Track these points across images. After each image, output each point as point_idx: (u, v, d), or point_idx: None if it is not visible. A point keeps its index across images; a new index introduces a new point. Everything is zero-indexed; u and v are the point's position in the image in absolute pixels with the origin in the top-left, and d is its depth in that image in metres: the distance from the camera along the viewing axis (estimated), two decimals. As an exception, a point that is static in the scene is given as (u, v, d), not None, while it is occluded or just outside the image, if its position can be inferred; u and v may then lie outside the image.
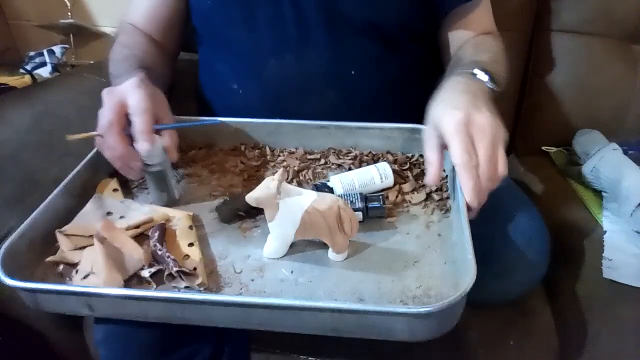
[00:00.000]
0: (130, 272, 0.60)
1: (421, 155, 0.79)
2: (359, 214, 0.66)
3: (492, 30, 0.89)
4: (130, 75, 0.72)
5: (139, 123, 0.64)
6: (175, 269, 0.57)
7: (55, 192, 0.67)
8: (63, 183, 0.69)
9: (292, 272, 0.61)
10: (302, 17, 0.80)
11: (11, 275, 0.56)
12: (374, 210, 0.67)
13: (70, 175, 0.70)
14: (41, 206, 0.65)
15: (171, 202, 0.71)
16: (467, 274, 0.52)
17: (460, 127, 0.59)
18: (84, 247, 0.63)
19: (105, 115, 0.65)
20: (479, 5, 0.85)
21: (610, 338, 0.71)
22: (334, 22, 0.80)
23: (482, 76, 0.71)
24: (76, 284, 0.59)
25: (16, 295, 0.60)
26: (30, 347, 0.78)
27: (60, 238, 0.63)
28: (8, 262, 0.57)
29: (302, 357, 0.74)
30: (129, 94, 0.66)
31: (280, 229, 0.61)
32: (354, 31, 0.82)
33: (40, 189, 0.71)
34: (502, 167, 0.60)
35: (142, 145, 0.64)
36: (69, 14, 1.50)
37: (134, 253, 0.60)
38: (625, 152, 0.90)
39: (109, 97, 0.67)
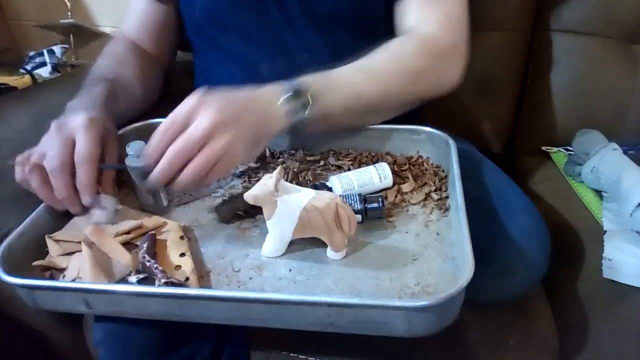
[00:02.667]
0: (117, 278, 0.60)
1: (420, 156, 0.79)
2: (358, 217, 0.66)
3: (423, 22, 0.79)
4: (91, 90, 0.75)
5: (83, 174, 0.64)
6: (163, 280, 0.57)
7: (54, 192, 0.68)
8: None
9: (290, 270, 0.61)
10: (291, 22, 0.81)
11: (10, 273, 0.56)
12: (373, 211, 0.67)
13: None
14: (40, 206, 0.66)
15: (158, 208, 0.71)
16: (466, 269, 0.52)
17: (189, 103, 0.61)
18: (72, 253, 0.63)
19: (55, 156, 0.64)
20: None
21: (610, 338, 0.71)
22: (321, 23, 0.81)
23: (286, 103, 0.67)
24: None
25: (16, 295, 0.60)
26: (30, 347, 0.78)
27: (50, 243, 0.63)
28: (7, 260, 0.58)
29: (302, 356, 0.74)
30: (78, 135, 0.65)
31: (278, 227, 0.61)
32: (344, 30, 0.82)
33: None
34: (193, 168, 0.59)
35: (84, 198, 0.65)
36: (69, 14, 1.50)
37: (122, 258, 0.60)
38: (625, 152, 0.90)
39: (58, 133, 0.66)
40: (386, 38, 0.79)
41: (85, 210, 0.67)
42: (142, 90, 0.87)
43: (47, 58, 1.50)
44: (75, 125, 0.66)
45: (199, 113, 0.60)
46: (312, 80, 0.69)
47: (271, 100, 0.67)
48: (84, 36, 1.55)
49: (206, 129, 0.58)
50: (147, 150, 0.62)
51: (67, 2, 1.49)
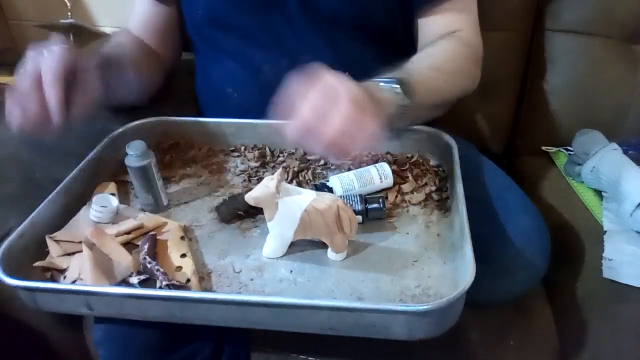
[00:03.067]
0: (118, 279, 0.60)
1: (421, 156, 0.79)
2: (359, 217, 0.66)
3: (463, 28, 0.85)
4: None
5: (49, 88, 0.63)
6: (165, 282, 0.57)
7: (54, 192, 0.68)
8: (62, 184, 0.69)
9: (291, 271, 0.61)
10: (291, 22, 0.81)
11: (11, 275, 0.56)
12: (374, 212, 0.67)
13: (70, 176, 0.71)
14: (40, 206, 0.66)
15: (158, 208, 0.71)
16: (466, 273, 0.52)
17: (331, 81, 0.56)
18: (73, 253, 0.63)
19: (23, 77, 0.63)
20: (450, 6, 0.83)
21: (610, 338, 0.71)
22: (321, 24, 0.81)
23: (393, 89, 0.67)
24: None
25: (16, 295, 0.60)
26: (30, 347, 0.78)
27: (50, 244, 0.63)
28: (7, 261, 0.58)
29: (302, 357, 0.74)
30: (46, 56, 0.64)
31: (279, 229, 0.61)
32: (344, 31, 0.82)
33: (40, 189, 0.71)
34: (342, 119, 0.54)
35: (53, 116, 0.63)
36: (69, 14, 1.50)
37: (122, 260, 0.60)
38: (625, 152, 0.90)
39: (30, 61, 0.65)
40: (386, 39, 0.79)
41: (59, 133, 0.65)
42: (136, 76, 0.85)
43: (47, 58, 1.50)
44: (46, 50, 0.65)
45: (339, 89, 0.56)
46: (400, 73, 0.70)
47: (378, 87, 0.67)
48: (84, 36, 1.54)
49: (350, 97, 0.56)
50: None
51: (67, 2, 1.48)
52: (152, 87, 0.93)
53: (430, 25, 0.85)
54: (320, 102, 0.56)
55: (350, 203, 0.66)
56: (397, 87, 0.67)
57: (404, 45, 0.87)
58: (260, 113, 0.83)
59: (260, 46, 0.84)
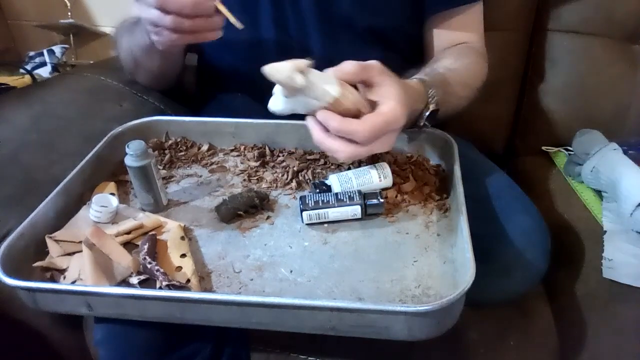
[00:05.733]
0: (118, 279, 0.60)
1: (421, 155, 0.79)
2: (357, 209, 0.66)
3: (475, 40, 0.89)
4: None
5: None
6: (165, 283, 0.57)
7: (54, 192, 0.68)
8: (62, 183, 0.69)
9: (291, 271, 0.61)
10: (303, 25, 0.81)
11: (11, 275, 0.56)
12: (372, 207, 0.67)
13: (69, 176, 0.71)
14: (40, 206, 0.66)
15: (158, 208, 0.71)
16: (466, 274, 0.52)
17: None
18: (73, 253, 0.63)
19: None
20: (464, 13, 0.85)
21: (610, 338, 0.71)
22: (332, 29, 0.81)
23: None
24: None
25: (16, 295, 0.60)
26: (30, 347, 0.78)
27: (50, 244, 0.63)
28: (7, 261, 0.58)
29: (302, 357, 0.74)
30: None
31: (294, 104, 0.60)
32: (353, 36, 0.82)
33: (40, 189, 0.71)
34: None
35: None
36: (69, 14, 1.50)
37: (122, 260, 0.60)
38: (625, 152, 0.90)
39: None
40: (395, 46, 0.79)
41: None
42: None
43: (47, 58, 1.50)
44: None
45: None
46: (430, 79, 0.73)
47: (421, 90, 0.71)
48: (84, 36, 1.54)
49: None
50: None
51: (67, 2, 1.48)
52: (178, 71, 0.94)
53: (441, 35, 0.86)
54: (378, 133, 0.58)
55: (350, 195, 0.66)
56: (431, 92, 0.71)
57: (411, 52, 0.87)
58: (263, 114, 0.83)
59: (268, 45, 0.84)
